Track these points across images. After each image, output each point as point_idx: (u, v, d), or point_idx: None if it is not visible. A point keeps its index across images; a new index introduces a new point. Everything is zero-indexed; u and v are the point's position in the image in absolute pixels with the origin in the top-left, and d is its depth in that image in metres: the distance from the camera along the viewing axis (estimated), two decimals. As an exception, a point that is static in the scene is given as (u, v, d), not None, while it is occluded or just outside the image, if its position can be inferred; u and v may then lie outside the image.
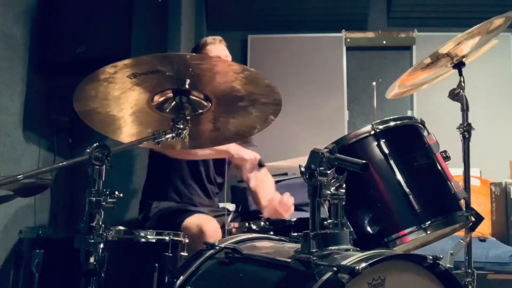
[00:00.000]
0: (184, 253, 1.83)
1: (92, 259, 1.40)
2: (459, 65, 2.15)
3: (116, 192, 1.46)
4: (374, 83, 3.76)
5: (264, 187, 2.68)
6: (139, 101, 1.68)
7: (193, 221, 2.27)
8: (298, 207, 2.91)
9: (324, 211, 1.39)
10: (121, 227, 1.75)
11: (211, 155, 2.55)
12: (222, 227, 2.26)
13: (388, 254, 1.28)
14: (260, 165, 2.50)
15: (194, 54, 2.43)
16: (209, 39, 2.67)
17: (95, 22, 2.87)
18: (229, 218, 2.45)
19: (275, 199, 2.47)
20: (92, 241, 1.40)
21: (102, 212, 1.42)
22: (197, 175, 2.64)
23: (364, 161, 1.32)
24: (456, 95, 2.12)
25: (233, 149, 2.44)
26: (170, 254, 1.75)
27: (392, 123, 1.77)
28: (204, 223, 2.22)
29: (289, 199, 2.46)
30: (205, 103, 1.70)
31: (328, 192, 1.35)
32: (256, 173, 2.55)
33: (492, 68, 4.29)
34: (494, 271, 3.08)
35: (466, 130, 2.10)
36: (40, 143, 2.90)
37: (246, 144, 2.73)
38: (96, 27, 2.87)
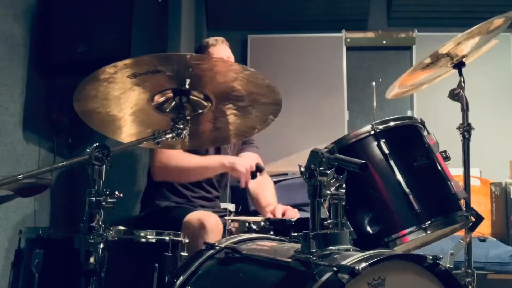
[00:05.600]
0: (184, 253, 1.83)
1: (92, 259, 1.40)
2: (459, 65, 2.15)
3: (116, 192, 1.46)
4: (374, 83, 3.76)
5: (264, 194, 2.67)
6: (139, 101, 1.68)
7: (194, 216, 2.27)
8: (298, 207, 2.91)
9: (324, 211, 1.39)
10: (121, 227, 1.74)
11: (209, 174, 2.55)
12: (223, 226, 2.26)
13: (388, 254, 1.28)
14: (259, 170, 2.46)
15: (194, 54, 2.43)
16: (211, 40, 2.66)
17: (95, 22, 2.87)
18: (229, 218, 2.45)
19: (277, 211, 2.44)
20: (92, 241, 1.40)
21: (102, 212, 1.42)
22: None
23: (363, 161, 1.32)
24: (456, 95, 2.12)
25: (228, 162, 2.43)
26: (170, 254, 1.75)
27: (392, 123, 1.77)
28: (205, 218, 2.22)
29: (293, 214, 2.42)
30: (205, 103, 1.70)
31: (328, 192, 1.35)
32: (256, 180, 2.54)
33: (492, 68, 4.29)
34: (494, 271, 3.08)
35: (466, 130, 2.10)
36: (40, 143, 2.91)
37: (246, 145, 2.73)
38: (96, 27, 2.87)
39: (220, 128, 1.84)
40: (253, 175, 2.42)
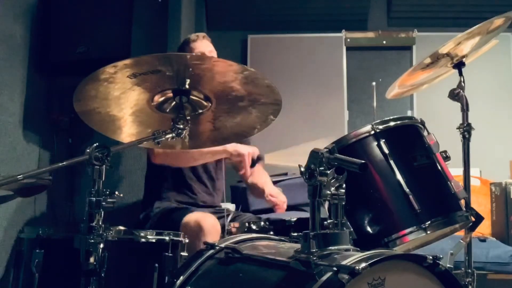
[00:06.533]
0: (184, 253, 1.83)
1: (92, 259, 1.40)
2: (459, 65, 2.15)
3: (116, 192, 1.46)
4: (374, 83, 3.76)
5: (261, 178, 2.71)
6: (139, 101, 1.68)
7: (192, 217, 2.28)
8: (298, 207, 2.91)
9: (324, 211, 1.39)
10: (121, 227, 1.75)
11: (208, 158, 2.56)
12: (223, 227, 2.27)
13: (388, 254, 1.28)
14: (260, 158, 2.50)
15: (194, 54, 2.44)
16: (193, 36, 2.69)
17: (95, 22, 2.87)
18: (229, 218, 2.45)
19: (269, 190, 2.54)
20: (92, 241, 1.40)
21: (102, 212, 1.42)
22: (196, 172, 2.65)
23: (363, 161, 1.33)
24: (456, 95, 2.12)
25: (230, 147, 2.45)
26: (170, 254, 1.75)
27: (392, 123, 1.77)
28: (203, 219, 2.23)
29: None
30: (205, 103, 1.70)
31: (328, 192, 1.35)
32: (252, 170, 2.58)
33: (492, 68, 4.29)
34: (494, 271, 3.08)
35: (466, 130, 2.10)
36: (40, 143, 2.91)
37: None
38: (96, 27, 2.87)
39: (220, 128, 1.84)
40: (253, 163, 2.47)
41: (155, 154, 2.50)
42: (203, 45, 2.65)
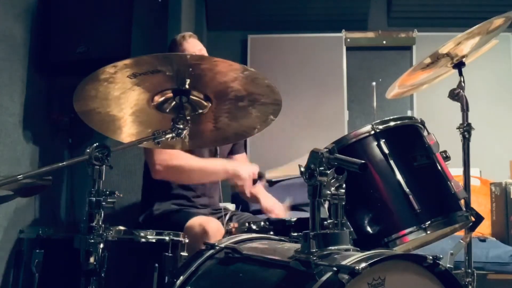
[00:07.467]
0: (184, 253, 1.83)
1: (92, 259, 1.40)
2: (459, 65, 2.15)
3: (116, 192, 1.46)
4: (374, 83, 3.77)
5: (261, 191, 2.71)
6: (139, 101, 1.68)
7: (196, 221, 2.27)
8: (298, 207, 2.91)
9: (324, 211, 1.39)
10: (121, 227, 1.75)
11: (210, 178, 2.55)
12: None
13: (388, 254, 1.28)
14: (260, 177, 2.48)
15: (194, 54, 2.43)
16: (179, 37, 2.64)
17: (95, 22, 2.88)
18: (227, 218, 2.45)
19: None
20: (92, 241, 1.40)
21: (102, 212, 1.42)
22: None
23: (363, 161, 1.33)
24: (456, 95, 2.12)
25: (232, 168, 2.43)
26: (170, 254, 1.75)
27: (392, 123, 1.77)
28: (207, 223, 2.22)
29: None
30: (205, 103, 1.70)
31: (328, 192, 1.35)
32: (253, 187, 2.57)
33: (492, 68, 4.29)
34: (494, 271, 3.08)
35: (466, 130, 2.10)
36: (40, 143, 2.91)
37: (237, 146, 2.74)
38: (96, 27, 2.87)
39: (220, 128, 1.84)
40: (254, 181, 2.44)
41: (156, 172, 2.47)
42: (192, 45, 2.61)
